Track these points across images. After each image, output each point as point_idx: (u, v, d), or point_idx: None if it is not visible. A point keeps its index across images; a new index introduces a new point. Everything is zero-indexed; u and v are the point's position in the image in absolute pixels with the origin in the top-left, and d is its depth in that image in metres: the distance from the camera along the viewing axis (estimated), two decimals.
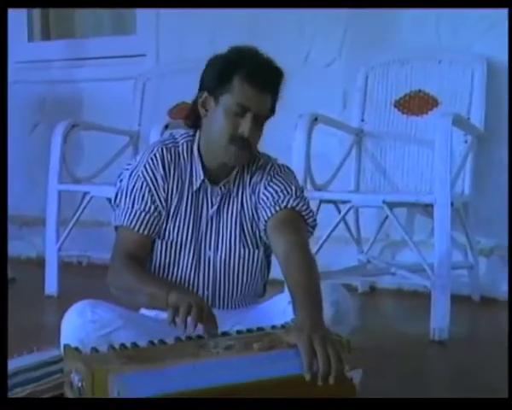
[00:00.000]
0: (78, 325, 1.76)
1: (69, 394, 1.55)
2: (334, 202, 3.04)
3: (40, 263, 3.61)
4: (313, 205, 2.76)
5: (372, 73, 3.35)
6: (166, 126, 3.17)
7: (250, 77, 1.81)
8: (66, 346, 1.61)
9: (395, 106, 3.28)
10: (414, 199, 2.83)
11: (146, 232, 1.89)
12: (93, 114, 4.16)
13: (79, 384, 1.48)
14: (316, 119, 2.95)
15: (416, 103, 3.24)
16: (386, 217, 3.05)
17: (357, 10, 3.46)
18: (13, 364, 2.18)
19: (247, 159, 1.88)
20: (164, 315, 1.78)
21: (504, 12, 3.13)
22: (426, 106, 3.22)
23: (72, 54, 4.49)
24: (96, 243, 3.41)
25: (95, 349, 1.55)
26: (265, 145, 1.96)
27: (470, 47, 3.27)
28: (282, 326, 1.65)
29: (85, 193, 3.48)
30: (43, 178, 3.56)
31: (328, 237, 2.80)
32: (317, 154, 3.14)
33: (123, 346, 1.57)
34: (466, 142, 3.04)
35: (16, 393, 1.99)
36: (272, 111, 1.89)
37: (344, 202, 2.89)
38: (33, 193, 4.18)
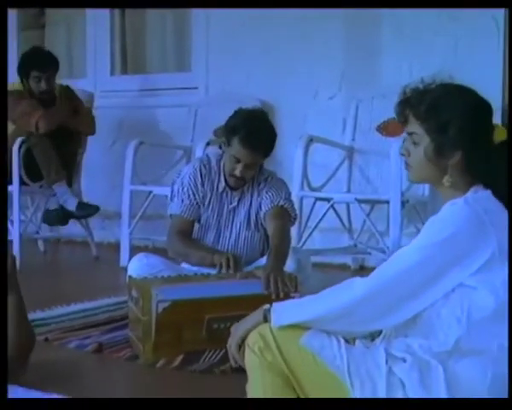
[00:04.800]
0: (137, 266, 2.75)
1: (130, 303, 2.59)
2: (326, 200, 3.71)
3: (117, 246, 4.34)
4: (309, 202, 3.74)
5: (361, 104, 4.05)
6: (208, 143, 3.95)
7: (243, 141, 2.67)
8: (129, 276, 2.65)
9: (377, 129, 3.90)
10: (376, 197, 3.65)
11: (191, 218, 2.84)
12: (158, 133, 4.86)
13: (135, 295, 2.50)
14: (311, 139, 3.71)
15: (393, 128, 3.79)
16: (370, 212, 3.83)
17: (352, 58, 4.21)
18: (100, 302, 3.28)
19: (242, 185, 2.80)
20: (194, 269, 2.81)
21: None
22: (400, 129, 3.62)
23: (143, 86, 5.13)
24: (158, 231, 4.03)
25: (145, 277, 2.60)
26: (286, 158, 2.76)
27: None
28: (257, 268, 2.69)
29: (150, 192, 4.15)
30: (120, 181, 4.25)
31: (317, 224, 3.63)
32: (321, 164, 3.95)
33: (162, 276, 2.63)
34: None
35: (100, 315, 3.05)
36: (266, 156, 2.77)
37: (330, 199, 3.65)
38: (112, 194, 4.64)
